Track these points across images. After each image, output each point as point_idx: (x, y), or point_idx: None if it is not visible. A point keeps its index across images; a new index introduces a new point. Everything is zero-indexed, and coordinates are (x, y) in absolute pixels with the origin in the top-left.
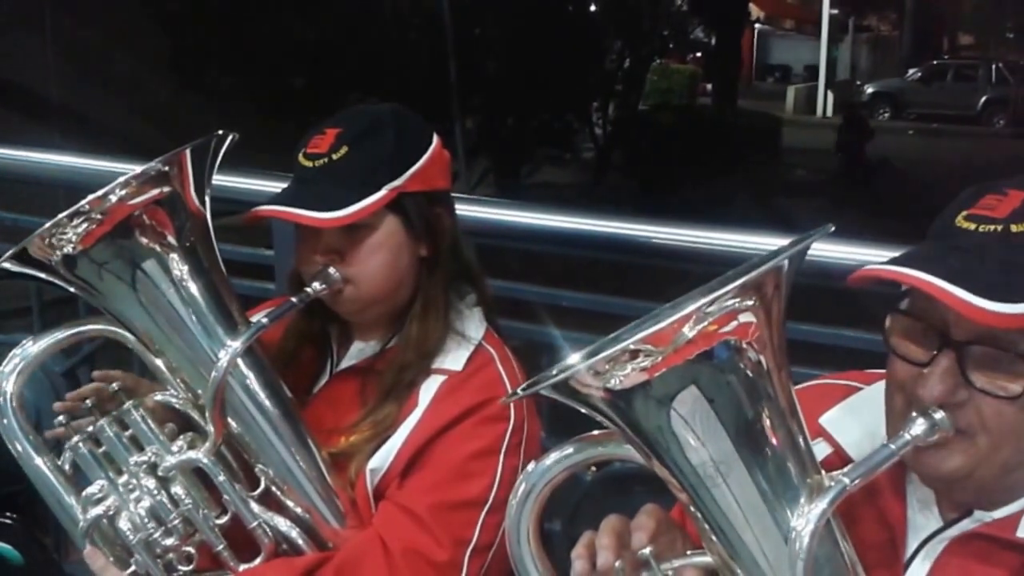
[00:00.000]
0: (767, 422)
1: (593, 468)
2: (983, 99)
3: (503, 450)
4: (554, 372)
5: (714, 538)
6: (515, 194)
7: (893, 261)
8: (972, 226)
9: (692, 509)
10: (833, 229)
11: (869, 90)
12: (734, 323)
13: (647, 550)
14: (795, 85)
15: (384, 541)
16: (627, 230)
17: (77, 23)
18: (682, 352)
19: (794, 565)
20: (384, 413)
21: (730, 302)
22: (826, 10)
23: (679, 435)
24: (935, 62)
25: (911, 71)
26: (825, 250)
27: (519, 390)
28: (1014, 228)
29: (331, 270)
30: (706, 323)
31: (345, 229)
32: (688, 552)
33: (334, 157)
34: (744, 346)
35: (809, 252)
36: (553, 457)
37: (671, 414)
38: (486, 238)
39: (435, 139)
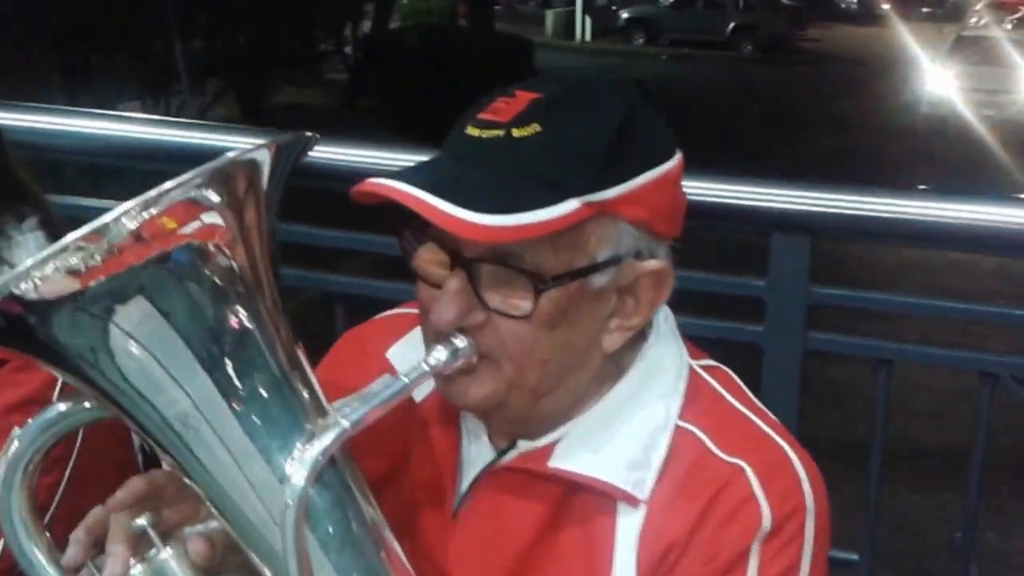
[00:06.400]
0: (250, 353)
1: None
2: (731, 25)
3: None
4: None
5: (200, 492)
6: (257, 118)
7: (393, 176)
8: (477, 132)
9: (171, 461)
10: (318, 137)
11: (625, 15)
12: (196, 223)
13: (143, 520)
14: (554, 9)
15: None
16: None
17: None
18: (129, 256)
19: (284, 515)
20: None
21: (191, 193)
22: None
23: (145, 373)
24: None
25: None
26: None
27: None
28: (515, 133)
29: None
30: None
31: None
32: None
33: None
34: (212, 249)
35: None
36: (54, 413)
37: (126, 341)
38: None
39: None
